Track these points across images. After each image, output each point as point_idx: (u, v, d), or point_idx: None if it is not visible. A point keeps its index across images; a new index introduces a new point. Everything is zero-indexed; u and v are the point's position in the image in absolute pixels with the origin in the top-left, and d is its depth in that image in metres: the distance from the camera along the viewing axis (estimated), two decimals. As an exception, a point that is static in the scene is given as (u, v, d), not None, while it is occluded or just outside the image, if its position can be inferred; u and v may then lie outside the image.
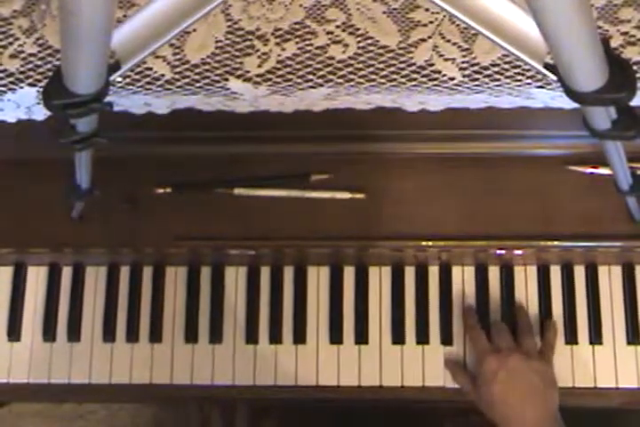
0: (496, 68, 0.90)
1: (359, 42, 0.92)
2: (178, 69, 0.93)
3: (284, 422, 1.04)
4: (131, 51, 0.62)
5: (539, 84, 0.90)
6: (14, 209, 1.05)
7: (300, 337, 1.09)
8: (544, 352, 1.04)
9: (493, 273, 1.09)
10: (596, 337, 1.07)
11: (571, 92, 0.58)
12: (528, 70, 0.89)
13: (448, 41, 0.91)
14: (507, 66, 0.90)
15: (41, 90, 0.93)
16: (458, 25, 0.91)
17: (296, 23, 0.92)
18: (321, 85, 0.92)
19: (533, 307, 1.08)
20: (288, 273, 1.11)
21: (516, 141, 1.01)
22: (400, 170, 1.03)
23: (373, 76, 0.92)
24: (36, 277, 1.13)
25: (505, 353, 1.01)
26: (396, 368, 1.08)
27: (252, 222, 1.04)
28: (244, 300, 1.11)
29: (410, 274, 1.10)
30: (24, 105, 0.97)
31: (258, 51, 0.92)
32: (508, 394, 0.98)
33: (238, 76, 0.92)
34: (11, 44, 0.94)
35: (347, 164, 1.03)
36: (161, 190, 1.04)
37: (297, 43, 0.92)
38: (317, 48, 0.92)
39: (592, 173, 1.01)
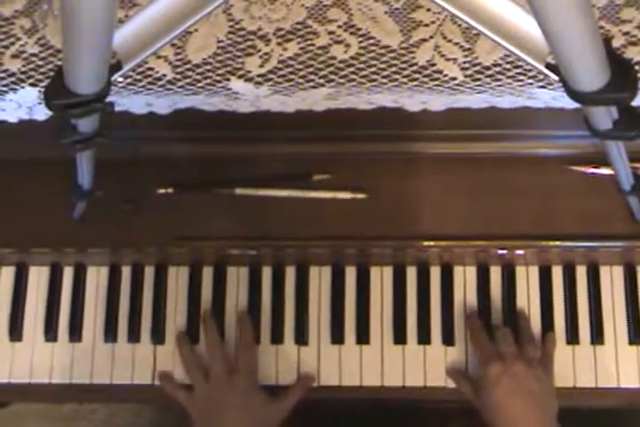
0: (497, 68, 0.90)
1: (361, 42, 0.92)
2: (179, 69, 0.93)
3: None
4: (132, 51, 0.62)
5: (540, 84, 0.90)
6: (16, 209, 1.05)
7: (301, 337, 1.09)
8: (545, 363, 1.04)
9: (495, 273, 1.09)
10: (597, 337, 1.07)
11: (572, 92, 0.58)
12: (529, 70, 0.89)
13: (450, 41, 0.91)
14: (508, 66, 0.90)
15: (42, 90, 0.93)
16: (459, 25, 0.91)
17: (298, 23, 0.92)
18: (322, 85, 0.92)
19: (535, 307, 1.08)
20: (290, 273, 1.11)
21: (517, 141, 1.01)
22: (401, 170, 1.03)
23: (375, 76, 0.92)
24: (38, 278, 1.13)
25: (510, 359, 1.00)
26: (398, 368, 1.08)
27: (253, 222, 1.04)
28: (245, 300, 1.10)
29: (411, 274, 1.10)
30: (25, 105, 0.97)
31: (259, 51, 0.92)
32: (510, 399, 0.98)
33: (240, 76, 0.92)
34: (12, 44, 0.94)
35: (348, 164, 1.03)
36: (162, 190, 1.04)
37: (298, 43, 0.92)
38: (319, 48, 0.92)
39: (593, 174, 1.01)
